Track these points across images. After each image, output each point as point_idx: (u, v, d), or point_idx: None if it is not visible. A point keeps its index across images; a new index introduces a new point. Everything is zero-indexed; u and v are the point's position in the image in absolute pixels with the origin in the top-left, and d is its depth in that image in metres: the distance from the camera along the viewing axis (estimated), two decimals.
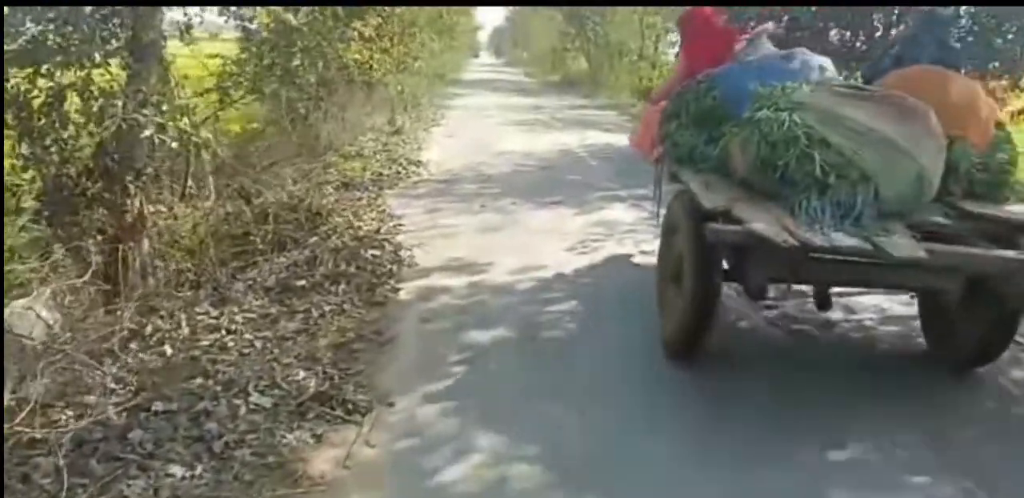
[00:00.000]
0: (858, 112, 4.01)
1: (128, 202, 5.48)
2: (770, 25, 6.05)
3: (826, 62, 4.95)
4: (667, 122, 5.18)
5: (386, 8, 15.03)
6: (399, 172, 10.74)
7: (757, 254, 3.82)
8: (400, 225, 7.83)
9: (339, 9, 14.44)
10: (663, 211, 5.20)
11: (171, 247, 5.89)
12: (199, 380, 4.18)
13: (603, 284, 6.10)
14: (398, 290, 5.86)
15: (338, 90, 14.23)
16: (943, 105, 4.14)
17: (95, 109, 5.17)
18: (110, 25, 5.44)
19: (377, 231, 7.37)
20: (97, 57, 5.26)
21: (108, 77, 5.39)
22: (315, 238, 6.74)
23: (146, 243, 5.70)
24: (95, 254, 5.37)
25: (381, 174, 10.44)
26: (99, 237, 5.42)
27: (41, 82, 5.07)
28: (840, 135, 3.93)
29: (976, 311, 4.23)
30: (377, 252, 6.62)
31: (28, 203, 5.38)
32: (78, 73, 5.18)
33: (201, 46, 10.38)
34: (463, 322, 5.28)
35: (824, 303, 5.01)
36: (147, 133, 5.22)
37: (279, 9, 14.25)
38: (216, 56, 13.16)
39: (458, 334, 5.07)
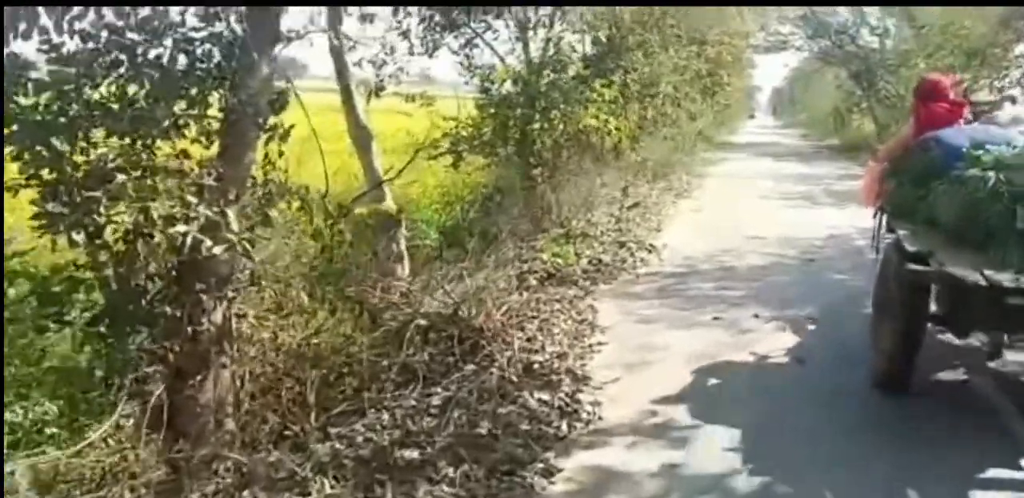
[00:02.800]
0: None
1: (203, 320, 3.98)
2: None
3: None
4: (888, 178, 5.69)
5: (633, 67, 13.45)
6: (624, 260, 8.79)
7: (957, 296, 4.33)
8: (599, 344, 5.87)
9: (585, 68, 13.13)
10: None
11: (256, 380, 4.31)
12: None
13: None
14: (552, 474, 3.87)
15: (572, 156, 12.71)
16: None
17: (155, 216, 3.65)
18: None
19: (561, 356, 5.44)
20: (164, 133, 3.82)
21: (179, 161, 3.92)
22: (469, 367, 4.94)
23: (226, 375, 4.19)
24: (154, 388, 3.94)
25: (600, 262, 8.55)
26: (158, 367, 3.97)
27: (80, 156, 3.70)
28: None
29: None
30: (546, 396, 4.69)
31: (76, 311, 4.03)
32: (135, 149, 3.79)
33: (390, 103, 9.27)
34: None
35: (996, 352, 5.02)
36: (218, 251, 3.69)
37: (520, 68, 13.19)
38: (450, 118, 12.35)
39: None
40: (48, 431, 3.78)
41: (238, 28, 3.99)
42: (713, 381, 5.25)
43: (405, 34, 13.22)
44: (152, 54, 3.79)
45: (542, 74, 12.57)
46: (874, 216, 6.30)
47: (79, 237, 3.50)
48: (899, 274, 4.56)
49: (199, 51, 3.96)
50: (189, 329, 3.90)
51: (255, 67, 3.98)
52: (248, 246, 4.00)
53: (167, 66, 3.79)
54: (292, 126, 4.62)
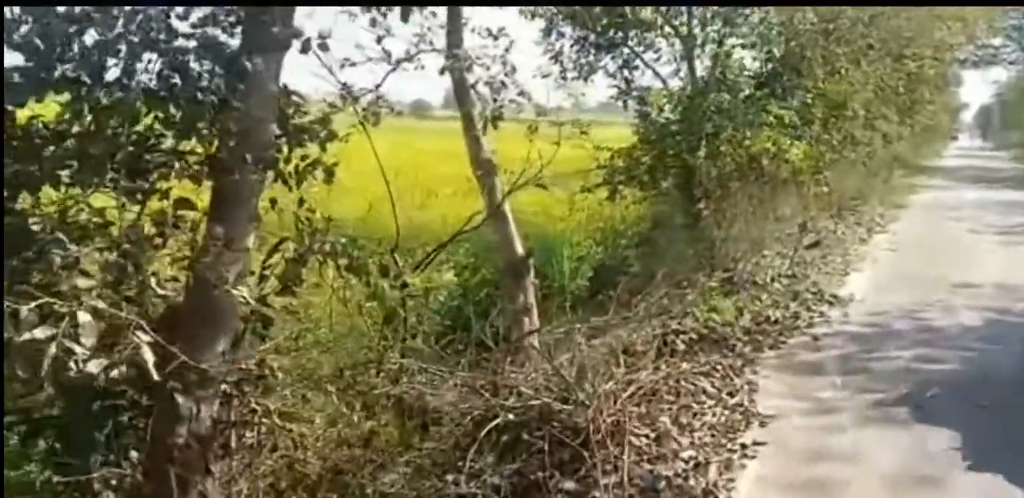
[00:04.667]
0: None
1: (179, 430, 2.95)
2: None
3: None
4: None
5: (816, 85, 11.72)
6: (797, 315, 7.20)
7: None
8: (755, 445, 4.41)
9: (758, 88, 11.55)
10: None
11: None
12: None
13: None
14: None
15: (741, 187, 11.12)
16: None
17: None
18: None
19: (700, 466, 4.04)
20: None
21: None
22: (564, 487, 3.64)
23: None
24: None
25: (767, 319, 7.00)
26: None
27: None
28: None
29: None
30: None
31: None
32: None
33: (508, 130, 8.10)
34: None
35: None
36: None
37: (683, 90, 11.79)
38: (604, 148, 11.14)
39: None
40: None
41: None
42: None
43: (557, 57, 12.31)
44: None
45: (708, 96, 11.15)
46: None
47: None
48: None
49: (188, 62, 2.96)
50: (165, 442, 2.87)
51: (252, 82, 2.92)
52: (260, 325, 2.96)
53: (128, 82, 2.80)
54: (335, 163, 3.57)
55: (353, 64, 6.29)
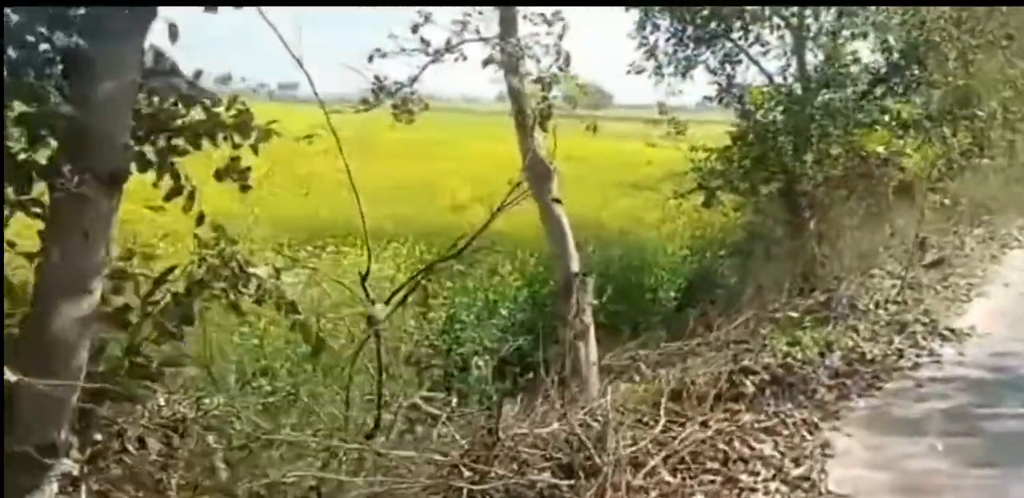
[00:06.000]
0: None
1: None
2: None
3: None
4: None
5: (945, 80, 10.28)
6: (900, 353, 6.05)
7: None
8: None
9: (874, 83, 10.26)
10: None
11: None
12: None
13: None
14: None
15: (851, 195, 9.86)
16: None
17: None
18: None
19: None
20: None
21: None
22: None
23: None
24: None
25: (862, 356, 5.89)
26: None
27: None
28: None
29: None
30: None
31: None
32: None
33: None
34: None
35: None
36: None
37: (790, 86, 10.60)
38: (700, 149, 10.13)
39: None
40: None
41: None
42: None
43: (652, 51, 11.34)
44: None
45: (817, 94, 9.96)
46: None
47: None
48: None
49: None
50: None
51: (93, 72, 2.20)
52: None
53: None
54: (248, 168, 2.84)
55: (384, 55, 5.58)
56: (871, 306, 7.24)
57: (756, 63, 10.85)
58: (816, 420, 4.73)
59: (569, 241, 6.55)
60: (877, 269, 8.73)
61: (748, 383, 5.26)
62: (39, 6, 2.73)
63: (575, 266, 6.54)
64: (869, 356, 5.88)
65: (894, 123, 9.25)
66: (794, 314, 7.30)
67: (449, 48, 5.72)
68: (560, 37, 5.76)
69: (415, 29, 5.60)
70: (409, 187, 13.14)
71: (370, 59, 5.44)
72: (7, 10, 2.29)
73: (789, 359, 5.62)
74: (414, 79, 5.74)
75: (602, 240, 10.55)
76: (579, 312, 6.51)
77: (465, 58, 5.83)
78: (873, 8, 9.92)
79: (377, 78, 5.64)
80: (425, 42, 5.73)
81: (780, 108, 9.76)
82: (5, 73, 2.24)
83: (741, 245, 10.78)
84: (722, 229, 12.45)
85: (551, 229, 6.59)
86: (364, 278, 3.57)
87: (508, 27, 6.07)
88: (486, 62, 5.61)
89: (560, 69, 5.58)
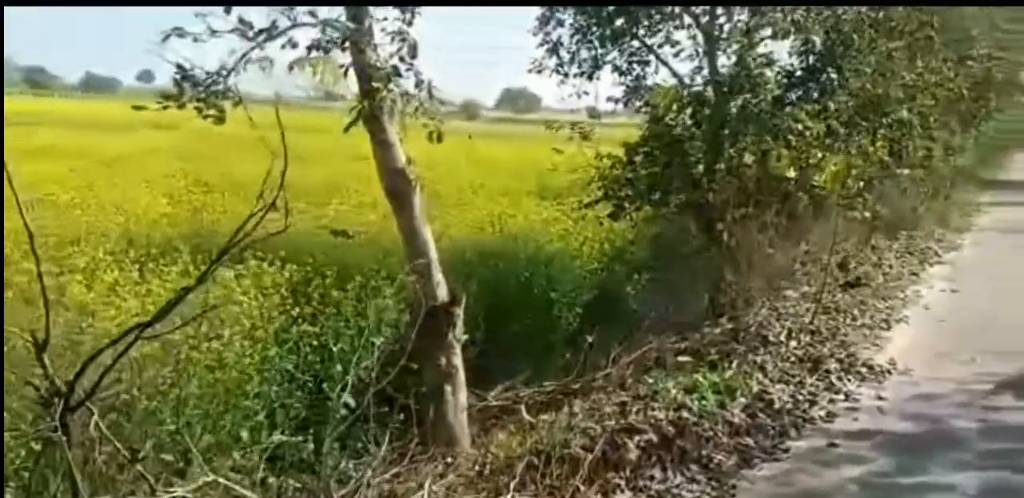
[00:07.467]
0: None
1: None
2: None
3: None
4: None
5: (864, 86, 9.59)
6: (813, 399, 5.20)
7: None
8: None
9: (787, 87, 9.53)
10: None
11: None
12: None
13: None
14: None
15: (765, 208, 9.07)
16: None
17: None
18: None
19: None
20: None
21: None
22: None
23: None
24: None
25: (769, 405, 5.00)
26: None
27: None
28: None
29: None
30: None
31: None
32: None
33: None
34: None
35: None
36: None
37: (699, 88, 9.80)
38: (604, 157, 9.24)
39: None
40: None
41: None
42: None
43: (555, 50, 10.44)
44: None
45: (729, 97, 9.15)
46: None
47: None
48: None
49: None
50: None
51: None
52: None
53: None
54: None
55: (183, 35, 4.46)
56: (782, 337, 6.40)
57: (665, 64, 10.02)
58: None
59: (435, 267, 5.52)
60: (791, 290, 7.95)
61: (632, 445, 4.33)
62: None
63: (442, 295, 5.53)
64: (777, 404, 5.00)
65: (807, 134, 8.51)
66: (697, 346, 6.44)
67: (273, 31, 4.65)
68: (409, 23, 4.74)
69: (227, 7, 4.51)
70: None
71: (164, 39, 4.31)
72: None
73: (683, 412, 4.69)
74: (230, 70, 4.63)
75: (498, 253, 9.61)
76: (446, 350, 5.52)
77: (295, 45, 4.77)
78: (790, 7, 9.16)
79: (180, 67, 4.52)
80: (245, 23, 4.65)
81: (689, 111, 8.94)
82: None
83: (649, 261, 9.92)
84: (633, 242, 11.64)
85: (412, 252, 5.55)
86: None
87: (358, 10, 5.03)
88: (311, 47, 4.54)
89: (401, 59, 4.56)
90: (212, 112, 4.48)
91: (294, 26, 4.83)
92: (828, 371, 5.66)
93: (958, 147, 16.15)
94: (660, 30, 9.92)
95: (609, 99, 10.01)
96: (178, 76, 4.53)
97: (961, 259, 10.90)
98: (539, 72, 10.51)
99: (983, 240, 12.79)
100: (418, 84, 4.65)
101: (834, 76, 9.38)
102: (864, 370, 5.76)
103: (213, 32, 4.59)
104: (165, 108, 4.55)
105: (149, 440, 4.13)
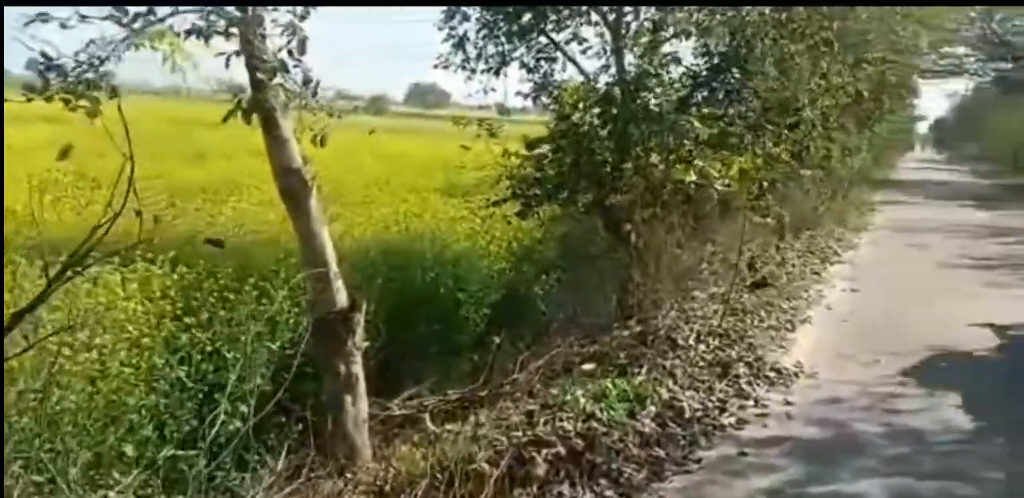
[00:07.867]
0: None
1: None
2: None
3: None
4: None
5: (770, 87, 9.65)
6: (723, 405, 5.12)
7: None
8: None
9: (691, 88, 9.53)
10: None
11: None
12: None
13: None
14: None
15: (673, 209, 9.03)
16: None
17: None
18: None
19: None
20: None
21: None
22: None
23: None
24: None
25: (679, 413, 4.90)
26: None
27: None
28: None
29: None
30: None
31: None
32: None
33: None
34: None
35: None
36: None
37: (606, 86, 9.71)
38: (512, 154, 9.04)
39: None
40: None
41: None
42: None
43: (460, 44, 10.19)
44: None
45: (635, 96, 9.05)
46: None
47: None
48: None
49: None
50: None
51: None
52: None
53: None
54: None
55: (47, 20, 4.05)
56: (691, 340, 6.33)
57: (573, 61, 9.89)
58: None
59: (333, 271, 5.21)
60: (699, 291, 7.93)
61: (539, 459, 4.15)
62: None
63: (342, 300, 5.22)
64: (687, 413, 4.89)
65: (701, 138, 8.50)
66: (607, 349, 6.32)
67: (150, 17, 4.26)
68: (302, 17, 4.43)
69: None
70: None
71: (27, 24, 3.89)
72: None
73: (592, 422, 4.53)
74: (103, 59, 4.23)
75: (404, 252, 9.32)
76: (346, 358, 5.22)
77: (179, 34, 4.40)
78: (695, 7, 9.14)
79: (44, 55, 4.10)
80: (121, 10, 4.26)
81: (596, 110, 8.82)
82: None
83: (557, 261, 9.79)
84: (541, 241, 11.53)
85: (310, 255, 5.22)
86: None
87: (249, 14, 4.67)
88: (189, 32, 4.18)
89: (290, 53, 4.25)
90: (83, 103, 4.08)
91: (174, 13, 4.49)
92: (737, 376, 5.60)
93: (855, 148, 16.60)
94: (568, 26, 9.79)
95: (518, 93, 9.84)
96: (42, 66, 4.11)
97: (859, 258, 11.15)
98: (445, 68, 10.29)
99: (878, 239, 13.16)
100: (306, 82, 4.34)
101: (738, 77, 9.45)
102: (772, 374, 5.72)
103: (83, 18, 4.20)
104: (30, 100, 4.14)
105: (18, 460, 3.78)
